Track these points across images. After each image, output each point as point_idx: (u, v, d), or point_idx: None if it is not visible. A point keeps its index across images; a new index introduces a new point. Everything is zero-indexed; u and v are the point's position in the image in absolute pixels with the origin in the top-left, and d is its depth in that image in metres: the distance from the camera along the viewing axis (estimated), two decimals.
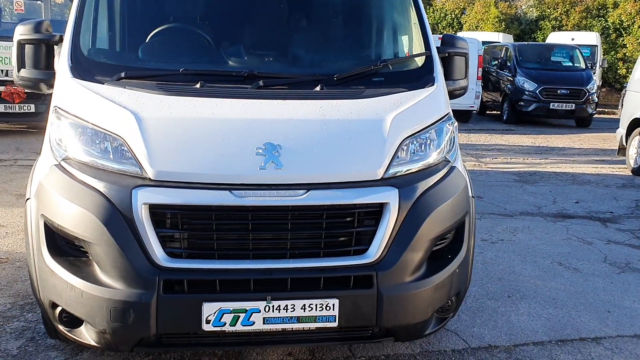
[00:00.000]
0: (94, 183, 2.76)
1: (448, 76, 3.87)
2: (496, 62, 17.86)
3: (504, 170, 9.61)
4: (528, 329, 3.92)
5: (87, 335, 2.83)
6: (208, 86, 3.13)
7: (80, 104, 3.00)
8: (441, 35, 4.05)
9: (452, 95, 3.99)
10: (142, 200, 2.68)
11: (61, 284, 2.75)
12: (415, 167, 3.04)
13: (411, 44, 3.88)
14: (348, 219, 2.85)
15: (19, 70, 3.44)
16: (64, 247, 2.83)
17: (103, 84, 3.09)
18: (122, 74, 3.13)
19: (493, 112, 18.16)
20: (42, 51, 3.38)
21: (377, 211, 2.87)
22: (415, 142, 3.10)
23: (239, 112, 2.96)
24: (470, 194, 3.34)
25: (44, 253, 2.82)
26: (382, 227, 2.86)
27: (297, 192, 2.78)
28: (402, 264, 2.86)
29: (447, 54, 3.86)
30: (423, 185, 2.99)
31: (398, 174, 2.97)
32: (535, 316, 4.11)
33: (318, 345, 3.34)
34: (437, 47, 3.88)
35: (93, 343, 2.82)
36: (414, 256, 2.89)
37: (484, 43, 17.60)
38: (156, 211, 2.70)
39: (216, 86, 3.16)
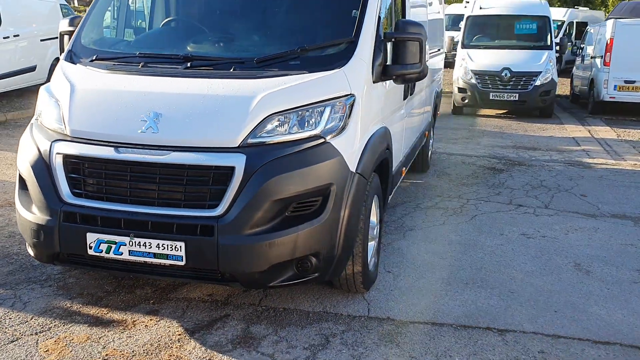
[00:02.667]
0: (37, 138, 3.74)
1: (399, 60, 4.08)
2: None
3: None
4: (446, 311, 3.94)
5: (28, 250, 3.84)
6: (148, 66, 3.89)
7: (55, 79, 4.01)
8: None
9: (405, 79, 4.20)
10: (57, 150, 3.58)
11: (18, 214, 3.79)
12: (273, 139, 3.44)
13: (357, 29, 4.10)
14: (203, 178, 3.39)
15: (60, 55, 4.59)
16: (22, 187, 3.85)
17: (76, 64, 4.06)
18: (94, 57, 4.07)
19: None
20: None
21: (228, 173, 3.35)
22: (282, 118, 3.48)
23: (143, 87, 3.68)
24: (352, 170, 3.59)
25: (16, 193, 3.89)
26: (230, 187, 3.34)
27: (163, 152, 3.42)
28: (239, 219, 3.31)
29: (392, 39, 4.07)
30: (272, 155, 3.38)
31: (253, 143, 3.40)
32: (469, 303, 4.07)
33: (176, 280, 3.91)
34: (385, 33, 4.13)
35: (32, 255, 3.81)
36: (252, 214, 3.31)
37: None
38: (66, 160, 3.57)
39: (153, 66, 3.89)
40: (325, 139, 3.54)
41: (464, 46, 13.79)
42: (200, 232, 3.36)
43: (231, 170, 3.35)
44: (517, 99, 12.92)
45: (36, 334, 3.56)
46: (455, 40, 14.77)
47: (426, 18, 6.56)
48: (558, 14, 22.67)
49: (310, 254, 3.49)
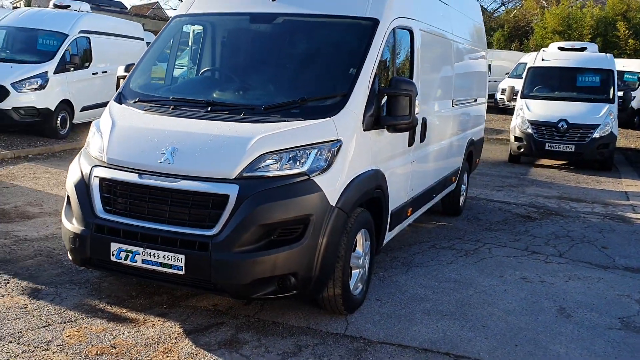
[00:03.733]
0: (82, 163, 4.59)
1: (391, 112, 4.70)
2: None
3: None
4: (414, 336, 4.40)
5: (68, 254, 4.66)
6: (177, 109, 4.69)
7: (103, 116, 4.89)
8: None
9: (397, 129, 4.81)
10: (95, 174, 4.42)
11: (62, 224, 4.64)
12: (265, 174, 4.11)
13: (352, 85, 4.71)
14: (204, 202, 4.09)
15: None
16: (67, 203, 4.70)
17: (121, 104, 4.93)
18: (136, 99, 4.93)
19: None
20: None
21: (223, 200, 4.04)
22: (275, 157, 4.15)
23: (168, 125, 4.47)
24: (332, 204, 4.18)
25: (63, 208, 4.75)
26: (224, 212, 4.02)
27: (174, 179, 4.16)
28: (230, 238, 3.97)
29: (384, 95, 4.69)
30: (261, 186, 4.05)
31: (248, 176, 4.08)
32: (439, 331, 4.51)
33: (179, 287, 4.55)
34: (380, 88, 4.75)
35: (70, 258, 4.63)
36: (240, 234, 3.97)
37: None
38: (101, 182, 4.39)
39: (181, 109, 4.69)
40: (309, 176, 4.16)
41: (523, 96, 14.04)
42: (198, 248, 4.04)
43: (226, 197, 4.03)
44: (573, 150, 12.98)
45: (64, 322, 4.34)
46: (516, 89, 15.02)
47: (452, 72, 7.08)
48: (639, 66, 22.28)
49: (290, 273, 4.09)
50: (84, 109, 12.70)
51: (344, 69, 4.77)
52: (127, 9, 48.82)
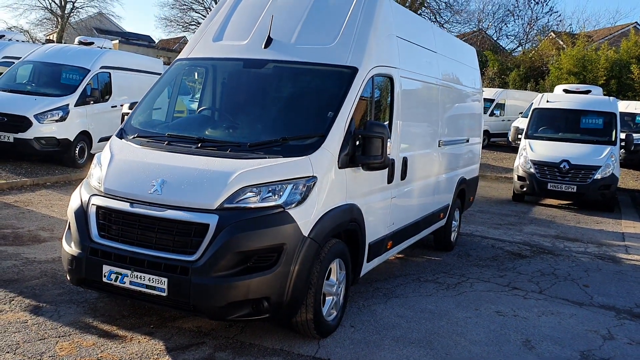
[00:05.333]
0: (82, 192, 5.07)
1: (365, 152, 5.12)
2: None
3: None
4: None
5: (66, 275, 5.10)
6: (171, 144, 5.16)
7: (104, 149, 5.38)
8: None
9: (370, 167, 5.23)
10: (92, 202, 4.88)
11: (62, 247, 5.09)
12: (245, 205, 4.53)
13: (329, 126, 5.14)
14: (187, 230, 4.52)
15: None
16: (68, 228, 5.15)
17: (122, 139, 5.42)
18: (135, 135, 5.42)
19: None
20: None
21: (204, 229, 4.46)
22: (255, 190, 4.58)
23: (160, 160, 4.93)
24: (305, 235, 4.58)
25: (64, 232, 5.21)
26: (205, 239, 4.44)
27: (161, 209, 4.60)
28: (208, 264, 4.37)
29: (359, 136, 5.12)
30: (239, 217, 4.46)
31: (228, 207, 4.50)
32: (402, 357, 4.83)
33: (162, 307, 4.92)
34: (355, 130, 5.18)
35: (68, 279, 5.07)
36: (217, 260, 4.37)
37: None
38: (98, 210, 4.85)
39: (174, 145, 5.16)
40: (284, 208, 4.58)
41: (527, 136, 14.37)
42: (179, 272, 4.45)
43: (206, 226, 4.45)
44: (575, 190, 13.22)
45: (59, 337, 4.75)
46: (521, 129, 15.36)
47: (438, 115, 7.49)
48: None
49: (263, 297, 4.47)
50: (102, 139, 13.33)
51: (324, 112, 5.21)
52: (154, 42, 50.66)
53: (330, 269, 5.01)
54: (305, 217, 4.65)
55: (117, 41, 34.77)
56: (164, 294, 4.48)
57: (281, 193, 4.63)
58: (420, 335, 5.34)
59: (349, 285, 5.39)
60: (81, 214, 4.93)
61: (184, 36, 50.31)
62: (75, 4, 48.27)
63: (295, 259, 4.54)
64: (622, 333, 5.84)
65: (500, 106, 26.40)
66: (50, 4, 47.56)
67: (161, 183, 4.70)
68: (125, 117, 5.90)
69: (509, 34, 49.86)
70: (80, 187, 5.23)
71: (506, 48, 40.35)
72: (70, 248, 4.91)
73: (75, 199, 5.10)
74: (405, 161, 6.23)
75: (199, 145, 5.06)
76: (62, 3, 47.60)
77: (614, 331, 5.87)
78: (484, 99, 24.87)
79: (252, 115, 5.58)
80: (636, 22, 35.66)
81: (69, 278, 5.05)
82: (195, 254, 4.45)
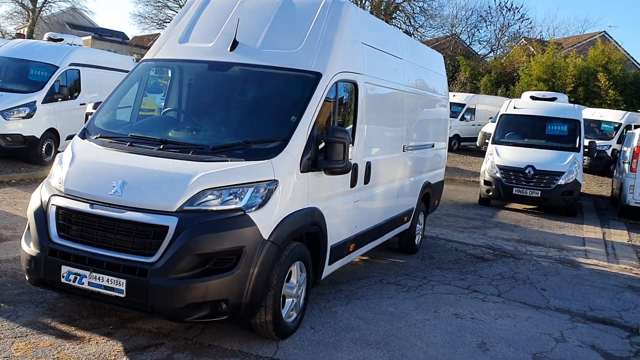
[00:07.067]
0: (42, 193, 5.05)
1: (327, 157, 5.20)
2: None
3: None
4: None
5: (25, 275, 5.08)
6: (133, 145, 5.16)
7: (66, 149, 5.36)
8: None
9: (332, 172, 5.30)
10: (52, 202, 4.87)
11: (21, 248, 5.06)
12: (205, 208, 4.56)
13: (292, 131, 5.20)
14: (146, 232, 4.54)
15: None
16: (28, 228, 5.12)
17: (84, 140, 5.41)
18: (98, 135, 5.41)
19: None
20: None
21: (163, 231, 4.49)
22: (216, 192, 4.62)
23: (121, 161, 4.94)
24: (265, 237, 4.64)
25: (24, 233, 5.18)
26: (164, 241, 4.47)
27: (121, 210, 4.61)
28: (166, 266, 4.40)
29: (321, 141, 5.19)
30: (198, 219, 4.50)
31: (188, 210, 4.54)
32: (359, 358, 4.91)
33: (121, 308, 4.95)
34: (317, 135, 5.24)
35: (27, 279, 5.04)
36: (176, 263, 4.40)
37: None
38: (57, 210, 4.83)
39: (136, 146, 5.16)
40: (245, 211, 4.63)
41: (494, 142, 14.62)
42: (138, 273, 4.47)
43: (166, 228, 4.48)
44: (539, 195, 13.50)
45: (15, 337, 4.74)
46: (488, 133, 15.62)
47: (403, 120, 7.62)
48: (616, 116, 22.98)
49: (221, 299, 4.51)
50: (69, 137, 13.16)
51: (287, 116, 5.27)
52: (128, 39, 50.07)
53: (291, 271, 5.08)
54: (266, 221, 4.71)
55: (89, 37, 34.32)
56: (123, 295, 4.49)
57: (242, 196, 4.68)
58: (378, 337, 5.44)
59: (309, 288, 5.46)
60: (41, 214, 4.92)
61: (159, 33, 49.81)
62: None
63: (254, 261, 4.59)
64: (574, 336, 6.02)
65: (471, 111, 26.75)
66: None
67: (121, 184, 4.71)
68: (89, 117, 5.89)
69: (481, 39, 50.27)
70: (41, 186, 5.21)
71: (478, 53, 40.87)
72: (29, 248, 4.89)
73: (36, 198, 5.08)
74: (369, 165, 6.32)
75: (162, 146, 5.08)
76: None
77: (566, 334, 6.05)
78: (455, 103, 25.47)
79: (216, 117, 5.61)
80: (604, 31, 36.44)
81: (27, 278, 5.02)
82: (154, 255, 4.47)
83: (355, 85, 6.00)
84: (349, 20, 5.96)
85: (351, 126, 5.99)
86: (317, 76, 5.44)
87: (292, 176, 4.99)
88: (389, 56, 7.14)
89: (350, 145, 5.28)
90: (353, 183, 6.02)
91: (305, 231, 5.20)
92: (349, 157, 5.25)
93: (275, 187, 4.82)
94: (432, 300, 6.70)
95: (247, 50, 5.72)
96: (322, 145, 5.26)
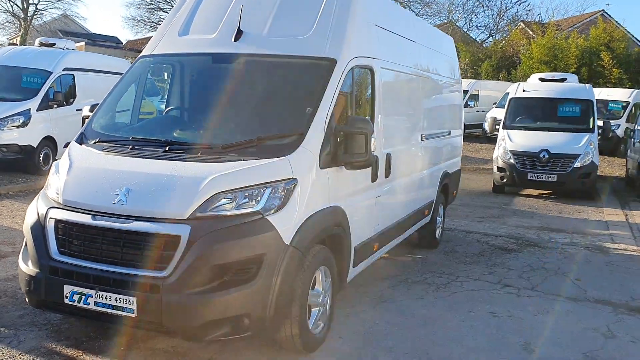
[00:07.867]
0: (39, 205, 4.59)
1: (347, 150, 4.73)
2: None
3: None
4: None
5: (25, 297, 4.62)
6: (135, 149, 4.71)
7: (63, 156, 4.91)
8: None
9: (354, 166, 4.83)
10: (50, 215, 4.41)
11: (19, 267, 4.61)
12: (219, 213, 4.10)
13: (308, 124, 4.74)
14: (156, 244, 4.08)
15: None
16: (25, 245, 4.68)
17: (81, 145, 4.95)
18: (97, 139, 4.95)
19: None
20: None
21: (175, 241, 4.03)
22: (230, 196, 4.16)
23: (124, 166, 4.48)
24: (287, 243, 4.18)
25: (21, 250, 4.73)
26: (176, 253, 4.01)
27: (127, 221, 4.15)
28: (181, 280, 3.95)
29: (341, 133, 4.73)
30: (213, 227, 4.04)
31: (200, 216, 4.08)
32: None
33: (131, 329, 4.50)
34: (336, 126, 4.78)
35: (27, 301, 4.59)
36: (191, 276, 3.95)
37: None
38: (56, 224, 4.38)
39: (139, 149, 4.71)
40: (263, 215, 4.17)
41: (505, 127, 14.14)
42: (149, 290, 4.01)
43: (178, 238, 4.02)
44: (555, 180, 13.03)
45: None
46: (498, 119, 15.15)
47: (421, 107, 7.16)
48: (624, 95, 22.51)
49: (243, 314, 4.06)
50: (67, 145, 12.71)
51: (301, 108, 4.80)
52: (122, 43, 49.51)
53: (315, 277, 4.62)
54: (286, 224, 4.25)
55: (83, 43, 33.87)
56: (133, 315, 4.04)
57: (259, 198, 4.22)
58: (414, 344, 4.98)
59: (335, 294, 5.01)
60: (38, 229, 4.46)
61: (152, 36, 49.36)
62: (38, 6, 46.92)
63: (277, 270, 4.13)
64: (623, 330, 5.56)
65: (474, 97, 26.26)
66: (12, 6, 46.17)
67: (126, 192, 4.25)
68: (86, 120, 5.44)
69: (479, 25, 49.88)
70: (37, 198, 4.75)
71: (477, 39, 40.34)
72: (27, 267, 4.44)
73: (32, 212, 4.62)
74: (389, 157, 5.86)
75: (167, 148, 4.62)
76: (25, 5, 46.21)
77: (613, 328, 5.59)
78: None
79: (224, 114, 5.12)
80: (603, 10, 35.89)
81: (27, 300, 4.58)
82: (167, 269, 4.02)
83: (371, 70, 5.53)
84: (361, 0, 5.49)
85: (369, 116, 5.53)
86: (332, 62, 4.97)
87: (311, 173, 4.53)
88: (403, 39, 6.66)
89: (372, 136, 4.81)
90: (374, 177, 5.57)
91: (329, 233, 4.74)
92: (372, 149, 4.79)
93: (294, 187, 4.36)
94: (464, 298, 6.24)
95: (253, 39, 5.25)
96: (340, 138, 4.80)
